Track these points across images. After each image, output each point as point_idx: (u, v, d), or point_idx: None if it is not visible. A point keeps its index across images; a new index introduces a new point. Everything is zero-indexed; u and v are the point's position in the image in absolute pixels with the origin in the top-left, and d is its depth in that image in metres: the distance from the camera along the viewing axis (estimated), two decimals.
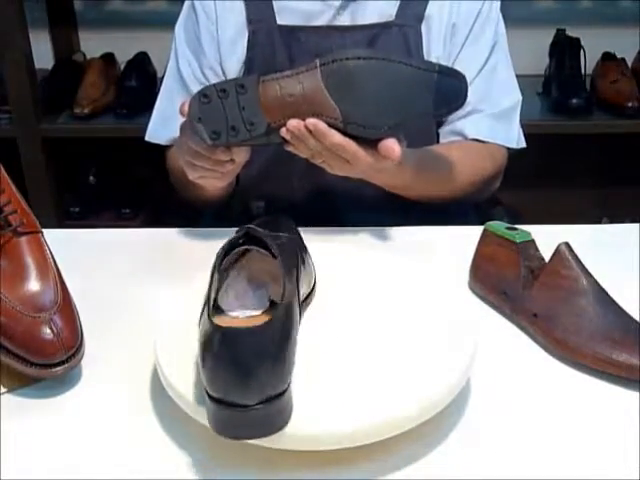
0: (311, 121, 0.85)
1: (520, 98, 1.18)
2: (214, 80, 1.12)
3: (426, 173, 1.06)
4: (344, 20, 1.12)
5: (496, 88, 1.15)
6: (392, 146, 0.88)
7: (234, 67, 1.14)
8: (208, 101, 0.85)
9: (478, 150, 1.14)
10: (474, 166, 1.13)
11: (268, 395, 0.56)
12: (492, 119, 1.15)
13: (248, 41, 1.12)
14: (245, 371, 0.55)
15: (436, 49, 1.12)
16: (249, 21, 1.12)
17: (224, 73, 1.14)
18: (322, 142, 0.86)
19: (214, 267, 0.67)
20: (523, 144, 1.18)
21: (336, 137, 0.86)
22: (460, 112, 1.13)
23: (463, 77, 0.91)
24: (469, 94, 1.08)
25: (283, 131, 0.86)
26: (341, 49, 1.06)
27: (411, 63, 0.88)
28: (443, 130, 1.17)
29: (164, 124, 1.15)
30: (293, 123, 0.85)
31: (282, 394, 0.57)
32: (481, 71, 1.14)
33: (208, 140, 0.85)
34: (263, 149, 1.15)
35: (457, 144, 1.15)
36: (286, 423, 0.58)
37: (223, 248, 0.68)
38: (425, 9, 1.11)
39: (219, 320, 0.60)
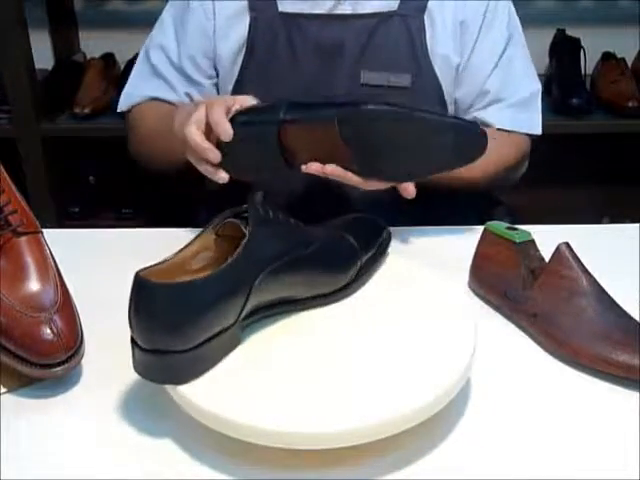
0: (329, 169, 0.89)
1: (540, 87, 1.18)
2: (190, 69, 1.15)
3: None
4: (345, 9, 1.12)
5: (515, 78, 1.16)
6: (407, 187, 0.94)
7: (229, 51, 1.15)
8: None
9: (501, 138, 1.14)
10: (498, 153, 1.12)
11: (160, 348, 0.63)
12: (513, 108, 1.15)
13: (249, 27, 1.13)
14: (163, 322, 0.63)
15: (444, 47, 1.12)
16: (251, 7, 1.13)
17: (216, 57, 1.15)
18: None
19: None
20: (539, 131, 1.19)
21: (354, 179, 0.91)
22: (479, 103, 1.15)
23: (483, 132, 0.92)
24: (488, 85, 1.11)
25: (303, 168, 0.89)
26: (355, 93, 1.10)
27: (432, 119, 0.89)
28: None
29: (135, 87, 1.18)
30: (313, 167, 0.89)
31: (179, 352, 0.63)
32: (498, 63, 1.14)
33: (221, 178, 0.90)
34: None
35: None
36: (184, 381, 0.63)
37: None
38: (428, 0, 1.11)
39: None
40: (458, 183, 1.08)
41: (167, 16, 1.18)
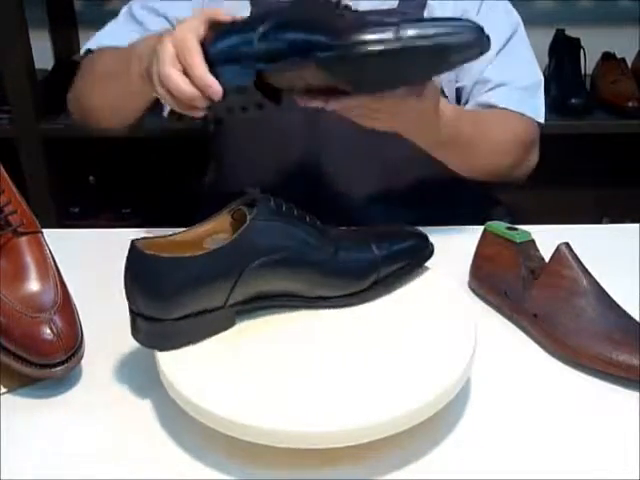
0: (330, 106, 0.82)
1: (542, 79, 1.17)
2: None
3: (462, 127, 1.03)
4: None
5: (518, 65, 1.14)
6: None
7: None
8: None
9: (507, 113, 1.11)
10: (506, 123, 1.10)
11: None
12: (520, 91, 1.13)
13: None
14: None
15: None
16: (251, 1, 1.07)
17: None
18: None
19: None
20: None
21: (356, 109, 0.85)
22: (482, 87, 1.13)
23: (480, 29, 0.79)
24: (488, 73, 1.10)
25: (300, 102, 0.83)
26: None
27: (425, 48, 0.77)
28: (467, 106, 1.15)
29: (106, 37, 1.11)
30: (314, 104, 0.82)
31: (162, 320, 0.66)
32: (501, 51, 1.12)
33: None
34: (259, 141, 1.13)
35: (490, 111, 1.12)
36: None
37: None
38: None
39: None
40: (469, 155, 1.05)
41: None
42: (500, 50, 1.13)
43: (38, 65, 1.82)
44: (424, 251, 0.81)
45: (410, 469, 0.62)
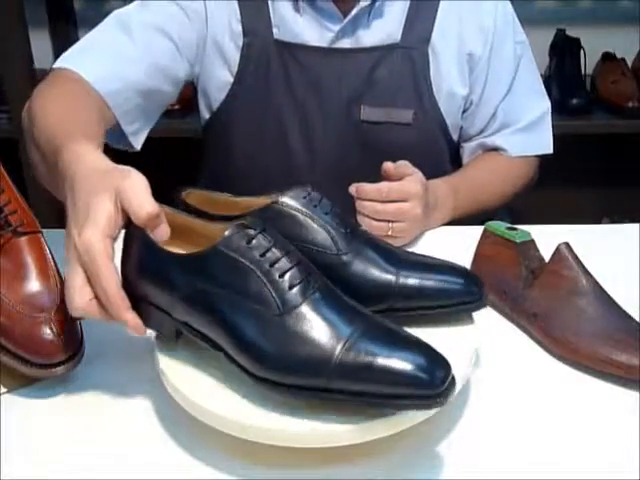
0: None
1: (549, 105, 1.17)
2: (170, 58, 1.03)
3: (469, 193, 1.08)
4: (345, 43, 1.08)
5: (524, 100, 1.14)
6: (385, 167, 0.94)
7: (220, 74, 1.09)
8: None
9: (510, 162, 1.15)
10: (515, 175, 1.16)
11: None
12: (524, 133, 1.14)
13: (241, 54, 1.08)
14: None
15: (449, 81, 1.09)
16: (244, 32, 1.07)
17: (206, 76, 1.09)
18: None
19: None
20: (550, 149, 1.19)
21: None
22: (489, 129, 1.14)
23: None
24: (499, 110, 1.12)
25: None
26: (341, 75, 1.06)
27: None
28: (469, 145, 1.17)
29: (81, 52, 1.01)
30: None
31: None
32: (510, 89, 1.12)
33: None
34: (256, 144, 1.13)
35: (488, 158, 1.15)
36: None
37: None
38: (431, 31, 1.07)
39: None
40: (479, 210, 1.10)
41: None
42: (510, 85, 1.12)
43: (38, 65, 1.82)
44: (468, 298, 0.69)
45: (410, 469, 0.62)
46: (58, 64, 0.98)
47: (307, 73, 1.08)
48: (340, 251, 0.69)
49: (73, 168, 0.66)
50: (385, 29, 1.07)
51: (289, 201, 0.70)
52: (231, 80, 1.10)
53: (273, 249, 0.60)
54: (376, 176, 0.95)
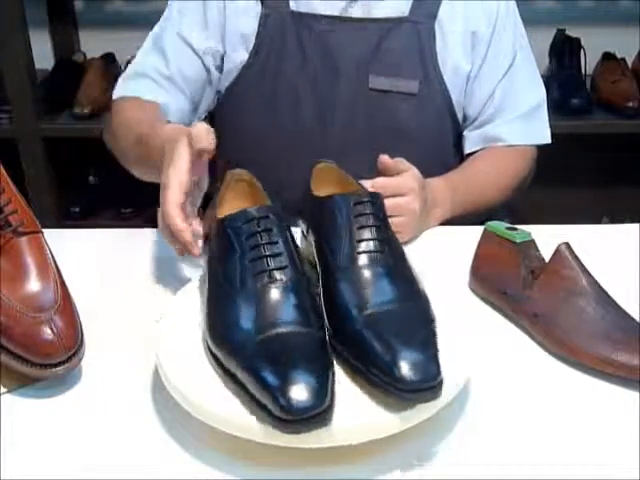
0: None
1: (544, 94, 1.20)
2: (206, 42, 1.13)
3: (469, 191, 1.09)
4: (356, 12, 1.13)
5: (521, 87, 1.17)
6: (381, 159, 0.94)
7: (235, 43, 1.14)
8: None
9: (508, 155, 1.16)
10: (513, 168, 1.16)
11: None
12: (523, 120, 1.16)
13: (259, 24, 1.12)
14: None
15: (454, 56, 1.13)
16: (262, 3, 1.12)
17: (224, 46, 1.14)
18: None
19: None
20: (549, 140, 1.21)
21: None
22: (485, 113, 1.16)
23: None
24: (495, 93, 1.14)
25: None
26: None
27: None
28: (471, 134, 1.19)
29: (134, 79, 1.15)
30: None
31: None
32: (506, 73, 1.15)
33: None
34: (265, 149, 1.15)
35: (486, 154, 1.17)
36: None
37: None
38: (439, 8, 1.12)
39: None
40: (479, 207, 1.11)
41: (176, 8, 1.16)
42: (507, 69, 1.15)
43: (38, 65, 1.82)
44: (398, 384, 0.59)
45: (410, 469, 0.62)
46: (115, 94, 1.15)
47: (320, 41, 1.12)
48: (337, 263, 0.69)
49: (163, 139, 0.85)
50: (394, 3, 1.12)
51: None
52: (246, 56, 1.14)
53: (260, 234, 0.67)
54: (383, 145, 0.99)
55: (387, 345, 0.60)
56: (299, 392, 0.56)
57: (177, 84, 1.14)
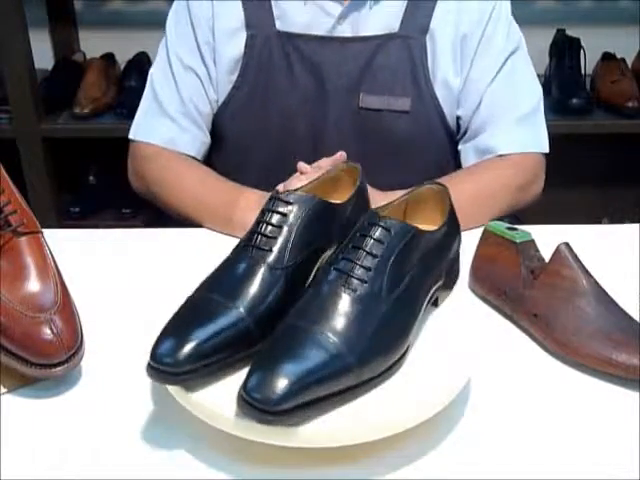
0: None
1: (541, 100, 1.15)
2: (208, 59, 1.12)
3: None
4: (344, 30, 1.10)
5: (514, 92, 1.13)
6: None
7: (223, 68, 1.13)
8: None
9: (500, 166, 1.10)
10: (504, 181, 1.10)
11: None
12: (516, 128, 1.11)
13: (245, 45, 1.11)
14: None
15: (444, 64, 1.10)
16: (247, 25, 1.10)
17: (215, 66, 1.13)
18: None
19: None
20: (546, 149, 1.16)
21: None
22: (476, 122, 1.12)
23: None
24: (485, 98, 1.08)
25: None
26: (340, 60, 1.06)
27: None
28: (465, 147, 1.15)
29: (149, 121, 1.16)
30: None
31: None
32: (497, 76, 1.11)
33: None
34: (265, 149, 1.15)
35: (474, 169, 1.11)
36: None
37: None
38: (430, 21, 1.09)
39: None
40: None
41: (170, 38, 1.16)
42: (497, 73, 1.11)
43: (38, 65, 1.82)
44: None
45: (410, 469, 0.62)
46: (131, 136, 1.18)
47: (308, 61, 1.10)
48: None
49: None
50: (384, 19, 1.10)
51: None
52: (235, 77, 1.13)
53: (267, 222, 0.69)
54: (377, 164, 0.96)
55: (271, 352, 0.60)
56: (162, 345, 0.62)
57: (195, 121, 1.15)
